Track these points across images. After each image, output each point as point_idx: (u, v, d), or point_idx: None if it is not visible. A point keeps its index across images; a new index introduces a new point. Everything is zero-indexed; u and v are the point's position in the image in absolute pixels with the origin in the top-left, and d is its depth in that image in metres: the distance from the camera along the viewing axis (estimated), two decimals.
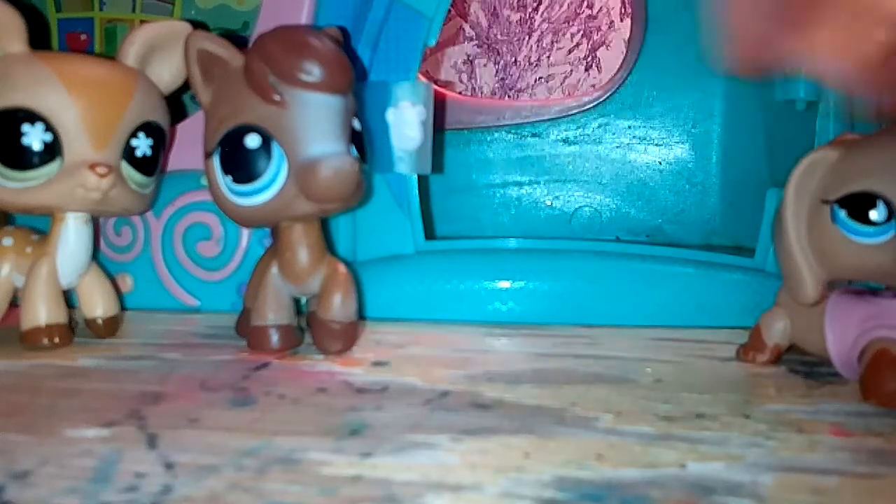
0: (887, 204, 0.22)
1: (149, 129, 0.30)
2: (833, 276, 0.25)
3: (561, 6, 0.76)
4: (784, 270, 0.25)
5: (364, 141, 0.29)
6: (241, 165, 0.27)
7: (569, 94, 0.75)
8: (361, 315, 0.33)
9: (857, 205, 0.23)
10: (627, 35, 0.53)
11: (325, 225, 0.31)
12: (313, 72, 0.26)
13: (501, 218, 0.51)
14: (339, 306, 0.28)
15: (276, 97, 0.26)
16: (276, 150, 0.26)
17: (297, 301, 0.30)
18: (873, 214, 0.22)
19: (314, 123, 0.26)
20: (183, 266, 0.36)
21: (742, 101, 0.46)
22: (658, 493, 0.16)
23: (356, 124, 0.28)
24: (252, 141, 0.26)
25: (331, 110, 0.27)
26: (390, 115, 0.35)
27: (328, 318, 0.28)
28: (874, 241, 0.22)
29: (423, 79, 0.37)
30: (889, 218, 0.22)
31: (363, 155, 0.29)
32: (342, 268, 0.29)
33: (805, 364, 0.29)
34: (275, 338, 0.29)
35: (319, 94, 0.26)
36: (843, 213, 0.23)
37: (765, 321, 0.28)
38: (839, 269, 0.24)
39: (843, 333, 0.25)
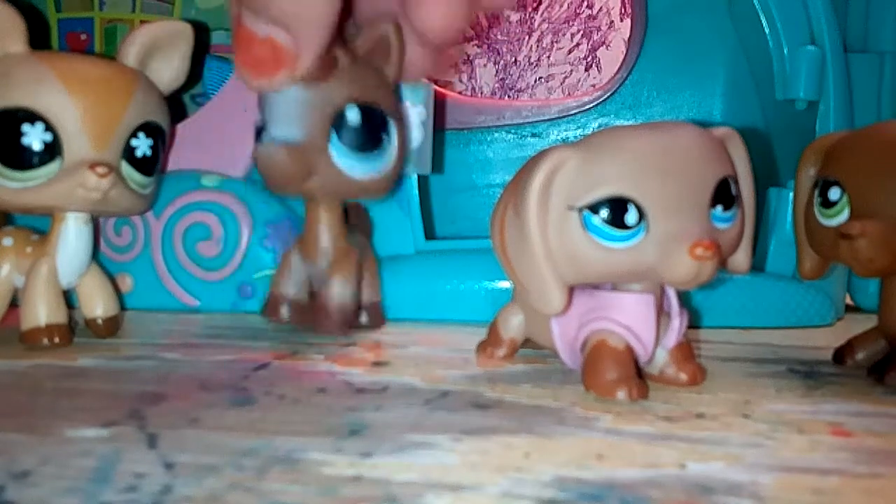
0: (637, 207, 0.22)
1: (149, 129, 0.30)
2: (581, 281, 0.24)
3: (561, 6, 0.76)
4: (526, 282, 0.24)
5: (361, 132, 0.29)
6: None
7: (569, 94, 0.75)
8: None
9: (609, 210, 0.22)
10: (627, 35, 0.53)
11: None
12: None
13: None
14: (339, 289, 0.29)
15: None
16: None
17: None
18: (627, 219, 0.22)
19: (273, 108, 0.28)
20: (183, 266, 0.36)
21: (742, 101, 0.46)
22: (658, 493, 0.16)
23: (351, 114, 0.28)
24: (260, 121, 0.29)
25: (288, 97, 0.28)
26: None
27: (325, 301, 0.30)
28: (626, 244, 0.22)
29: (423, 79, 0.37)
30: (640, 220, 0.22)
31: (360, 146, 0.29)
32: (353, 254, 0.30)
33: (805, 364, 0.29)
34: (284, 309, 0.31)
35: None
36: (595, 219, 0.22)
37: (501, 317, 0.29)
38: (591, 274, 0.23)
39: (566, 326, 0.25)
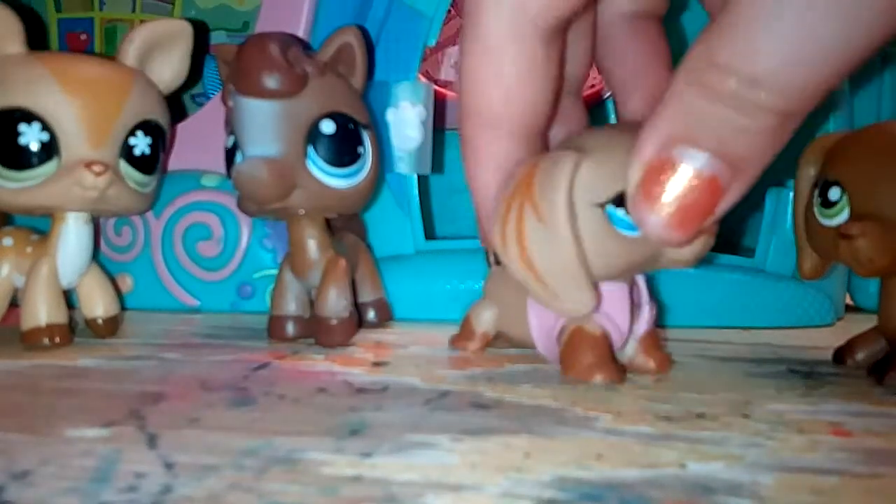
0: None
1: (147, 127, 0.30)
2: (605, 277, 0.24)
3: None
4: (556, 287, 0.23)
5: (337, 143, 0.29)
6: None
7: None
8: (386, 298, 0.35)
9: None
10: None
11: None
12: (241, 77, 0.28)
13: None
14: (334, 301, 0.29)
15: (230, 103, 0.29)
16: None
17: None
18: None
19: (246, 127, 0.28)
20: (183, 266, 0.36)
21: None
22: (658, 493, 0.16)
23: (326, 127, 0.28)
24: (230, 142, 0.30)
25: (261, 114, 0.28)
26: (390, 115, 0.35)
27: (324, 315, 0.29)
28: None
29: (423, 79, 0.37)
30: None
31: (337, 157, 0.29)
32: (342, 262, 0.29)
33: (805, 364, 0.29)
34: (289, 326, 0.31)
35: (250, 99, 0.28)
36: (619, 212, 0.22)
37: (473, 311, 0.29)
38: (616, 267, 0.23)
39: (544, 317, 0.26)
